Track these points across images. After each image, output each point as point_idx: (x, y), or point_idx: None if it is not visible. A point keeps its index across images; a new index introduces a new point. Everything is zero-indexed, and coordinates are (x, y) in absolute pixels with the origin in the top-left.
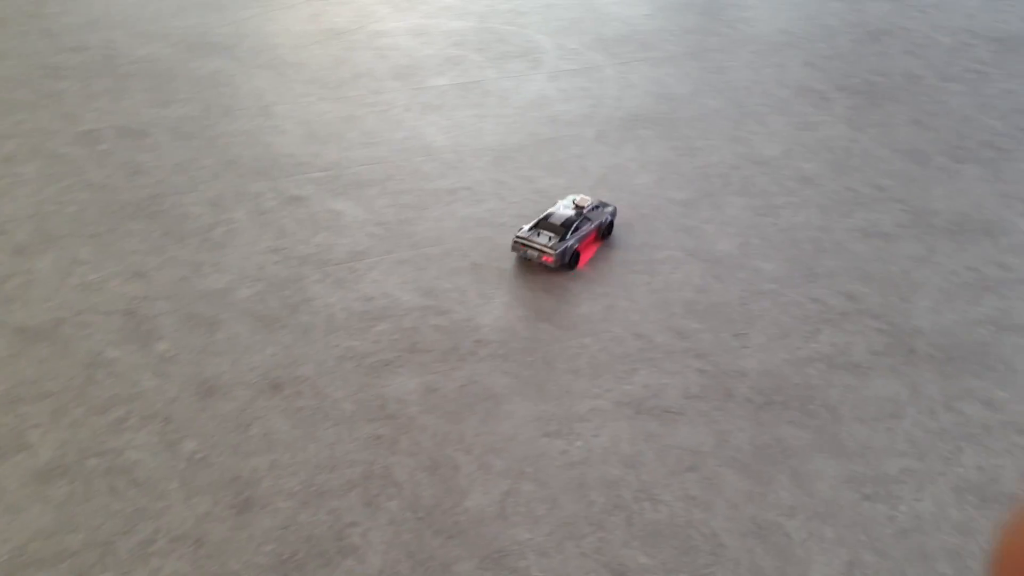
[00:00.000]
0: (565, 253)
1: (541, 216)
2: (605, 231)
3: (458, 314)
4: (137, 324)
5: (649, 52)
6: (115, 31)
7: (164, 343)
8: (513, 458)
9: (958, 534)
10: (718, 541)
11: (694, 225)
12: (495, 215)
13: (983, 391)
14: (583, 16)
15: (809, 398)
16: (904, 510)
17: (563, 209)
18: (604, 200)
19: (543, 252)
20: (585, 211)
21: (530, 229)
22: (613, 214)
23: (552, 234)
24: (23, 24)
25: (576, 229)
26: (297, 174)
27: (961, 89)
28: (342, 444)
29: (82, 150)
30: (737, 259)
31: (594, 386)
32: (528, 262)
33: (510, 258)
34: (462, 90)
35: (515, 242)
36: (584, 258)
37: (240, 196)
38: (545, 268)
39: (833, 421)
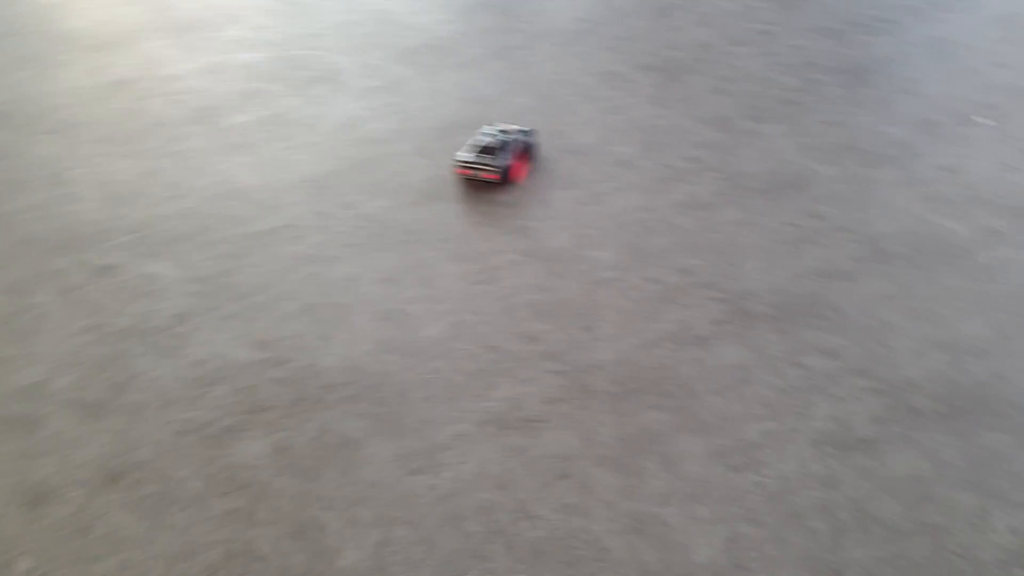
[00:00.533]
0: (504, 169)
1: (472, 144)
2: (530, 151)
3: (298, 361)
4: None
5: (452, 57)
6: None
7: None
8: (381, 505)
9: (824, 487)
10: (601, 546)
11: (526, 225)
12: (321, 249)
13: (821, 341)
14: (380, 30)
15: (664, 380)
16: (770, 474)
17: (489, 136)
18: (523, 127)
19: (485, 171)
20: (512, 133)
21: (467, 153)
22: (534, 136)
23: (489, 156)
24: None
25: (506, 149)
26: (102, 242)
27: (751, 51)
28: (196, 527)
29: None
30: (573, 252)
31: (453, 410)
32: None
33: (345, 292)
34: (266, 124)
35: (456, 164)
36: (517, 173)
37: (41, 276)
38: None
39: (690, 398)
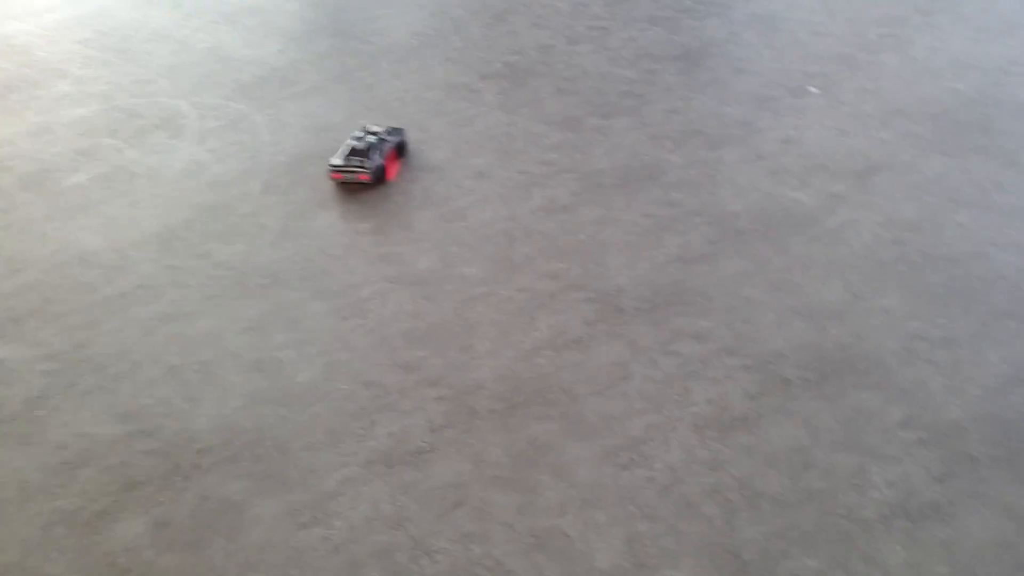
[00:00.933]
0: (377, 170)
1: (344, 148)
2: (401, 149)
3: (168, 429)
4: None
5: (292, 87)
6: None
7: None
8: (274, 567)
9: (711, 471)
10: (504, 569)
11: (391, 251)
12: (179, 306)
13: (690, 326)
14: (214, 68)
15: (546, 388)
16: (659, 467)
17: (359, 139)
18: (392, 126)
19: (359, 173)
20: (380, 134)
21: (339, 158)
22: (403, 134)
23: (360, 158)
24: None
25: (377, 150)
26: None
27: (589, 48)
28: None
29: None
30: (441, 272)
31: (338, 455)
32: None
33: (209, 347)
34: (105, 181)
35: (330, 170)
36: (391, 172)
37: None
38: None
39: (573, 403)
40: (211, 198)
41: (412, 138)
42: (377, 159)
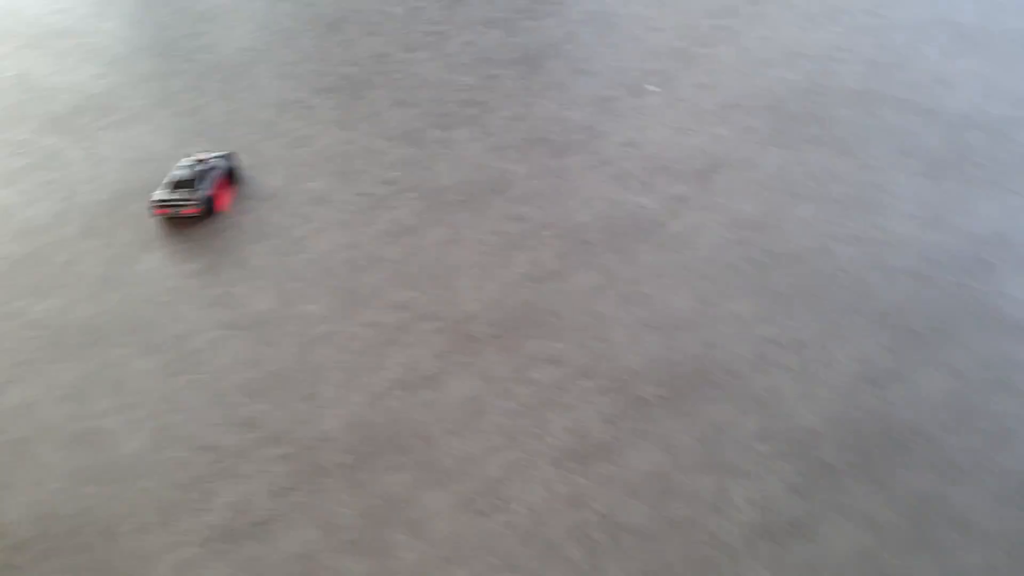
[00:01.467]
0: (206, 201)
1: (168, 180)
2: (233, 175)
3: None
4: None
5: (112, 115)
6: None
7: None
8: None
9: (572, 509)
10: None
11: (224, 292)
12: None
13: (543, 350)
14: (22, 99)
15: (398, 434)
16: (519, 509)
17: (186, 169)
18: (220, 152)
19: (186, 206)
20: (208, 161)
21: (163, 191)
22: (233, 159)
23: (187, 189)
24: None
25: (205, 179)
26: None
27: (427, 55)
28: None
29: None
30: (281, 312)
31: (172, 534)
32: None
33: (22, 422)
34: None
35: (153, 205)
36: (221, 202)
37: None
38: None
39: (428, 447)
40: (22, 247)
41: (244, 163)
42: (205, 189)
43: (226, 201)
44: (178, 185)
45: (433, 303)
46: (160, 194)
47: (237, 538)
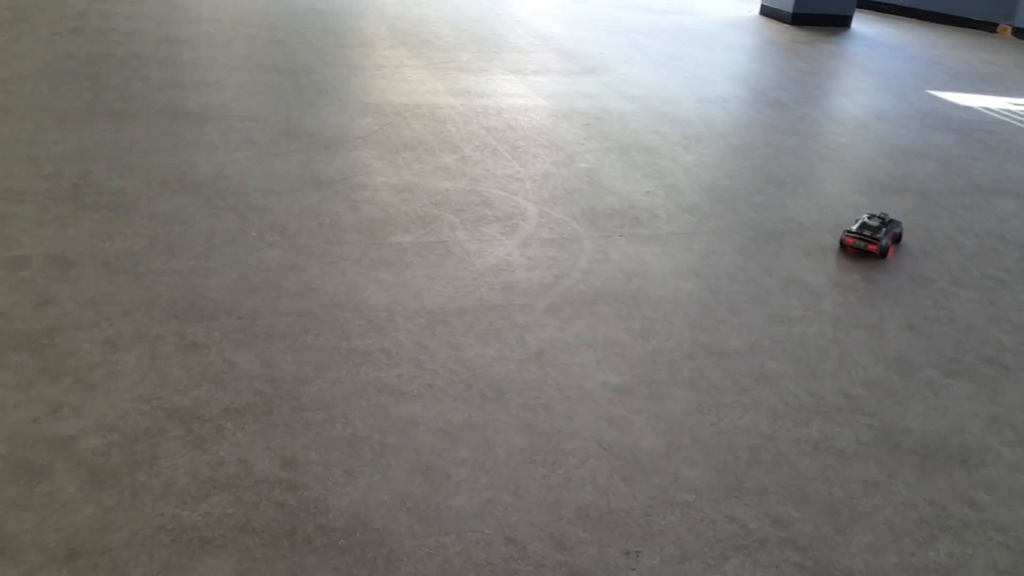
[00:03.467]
0: (885, 244)
1: (859, 223)
2: (899, 238)
3: (311, 492)
4: None
5: (637, 228)
6: (97, 162)
7: None
8: None
9: None
10: None
11: (622, 415)
12: (403, 382)
13: None
14: (580, 188)
15: None
16: None
17: (875, 219)
18: (893, 218)
19: (870, 241)
20: (886, 219)
21: (854, 230)
22: (901, 227)
23: (871, 231)
24: (12, 149)
25: (887, 230)
26: (208, 320)
27: (973, 296)
28: None
29: (1, 275)
30: (658, 460)
31: None
32: None
33: (396, 430)
34: (423, 249)
35: (845, 235)
36: (890, 253)
37: (139, 338)
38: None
39: None
40: (497, 298)
41: (715, 318)
42: (885, 238)
43: (892, 253)
44: (866, 228)
45: (813, 536)
46: (854, 230)
47: None
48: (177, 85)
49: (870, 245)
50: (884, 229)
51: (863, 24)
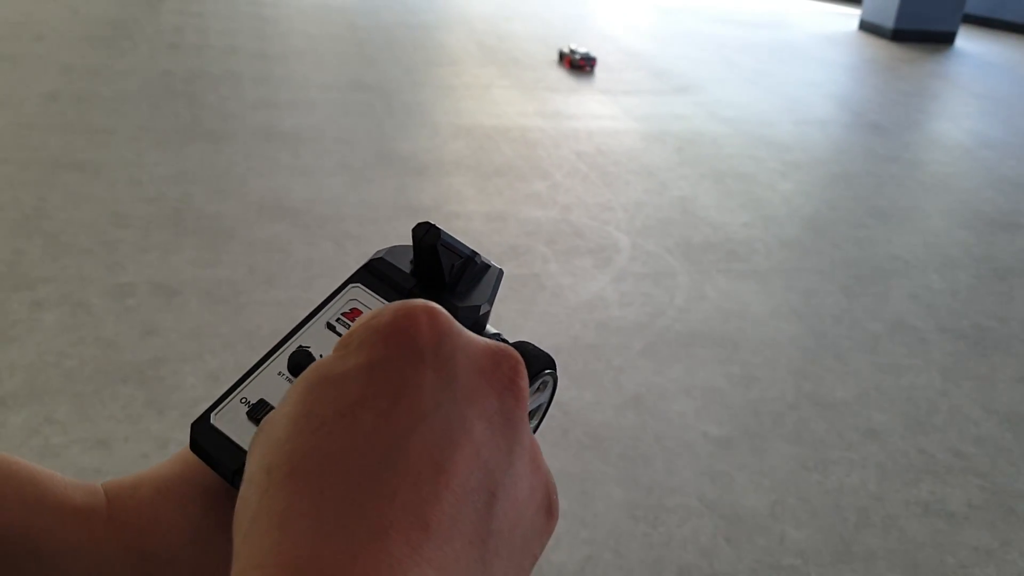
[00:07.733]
0: None
1: None
2: None
3: None
4: None
5: (734, 263)
6: (196, 185)
7: None
8: None
9: None
10: None
11: (724, 470)
12: None
13: None
14: (673, 218)
15: None
16: None
17: None
18: None
19: None
20: None
21: None
22: None
23: None
24: (116, 171)
25: None
26: None
27: None
28: None
29: (109, 303)
30: (762, 520)
31: None
32: None
33: None
34: (516, 281)
35: None
36: None
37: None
38: None
39: None
40: (592, 336)
41: (820, 365)
42: None
43: None
44: None
45: None
46: None
47: None
48: (271, 104)
49: None
50: None
51: (968, 41)
